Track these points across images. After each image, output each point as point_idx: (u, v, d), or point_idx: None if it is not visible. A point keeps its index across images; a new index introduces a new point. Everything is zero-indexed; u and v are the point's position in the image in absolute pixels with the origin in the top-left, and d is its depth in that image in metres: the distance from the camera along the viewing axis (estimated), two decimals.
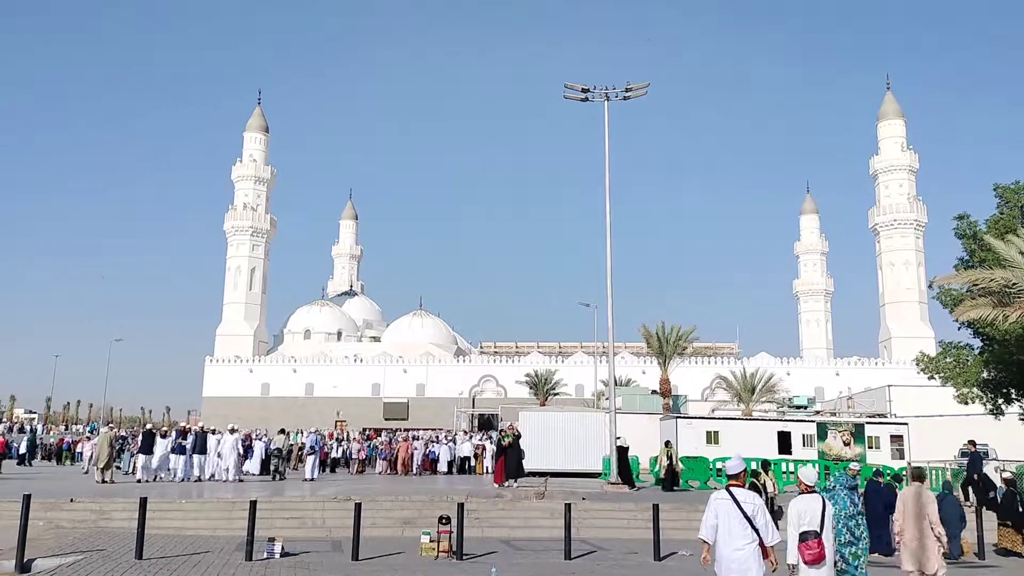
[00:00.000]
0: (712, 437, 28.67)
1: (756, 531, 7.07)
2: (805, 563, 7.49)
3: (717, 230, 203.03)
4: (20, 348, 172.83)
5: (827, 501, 7.91)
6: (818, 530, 7.55)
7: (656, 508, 14.55)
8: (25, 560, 11.98)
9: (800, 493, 8.00)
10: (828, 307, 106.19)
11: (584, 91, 24.63)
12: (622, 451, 23.95)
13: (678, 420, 30.74)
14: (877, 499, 15.88)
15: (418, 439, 36.21)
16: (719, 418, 34.26)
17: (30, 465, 35.17)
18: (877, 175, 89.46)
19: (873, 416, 35.90)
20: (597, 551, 14.60)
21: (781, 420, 32.10)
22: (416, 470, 31.18)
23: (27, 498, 12.84)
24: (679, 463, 24.55)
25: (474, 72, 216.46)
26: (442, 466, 33.38)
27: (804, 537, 7.55)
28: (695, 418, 32.54)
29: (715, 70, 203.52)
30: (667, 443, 24.57)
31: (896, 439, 29.43)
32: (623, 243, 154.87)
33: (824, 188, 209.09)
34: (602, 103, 24.84)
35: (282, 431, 28.98)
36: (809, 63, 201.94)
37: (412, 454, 31.50)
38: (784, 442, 28.58)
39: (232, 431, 25.26)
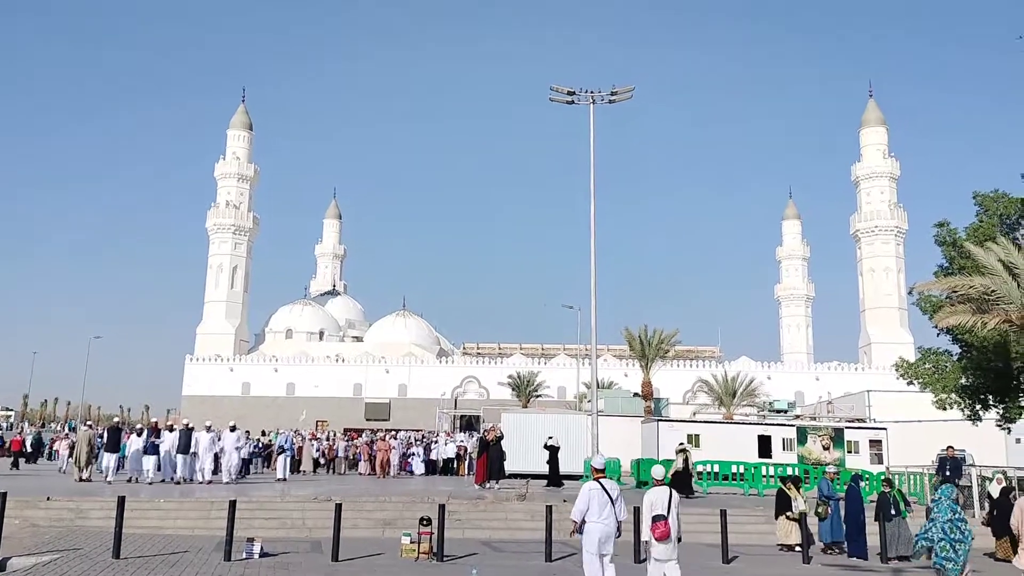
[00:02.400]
0: (694, 440, 28.77)
1: (616, 511, 9.49)
2: (656, 539, 9.56)
3: (700, 234, 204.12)
4: None
5: (672, 491, 9.90)
6: (665, 514, 9.53)
7: (636, 511, 14.55)
8: (0, 559, 11.83)
9: (654, 485, 10.10)
10: (809, 312, 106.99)
11: (570, 93, 24.68)
12: (553, 451, 23.99)
13: (660, 423, 30.84)
14: (856, 504, 16.00)
15: (396, 438, 35.64)
16: (700, 421, 34.42)
17: (35, 463, 35.13)
18: (859, 182, 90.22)
19: (852, 421, 36.17)
20: (578, 553, 14.57)
21: (762, 424, 32.31)
22: (394, 472, 30.60)
23: (2, 496, 12.69)
24: (693, 468, 23.89)
25: (460, 72, 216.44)
26: (417, 468, 33.09)
27: (655, 519, 9.55)
28: (677, 421, 32.69)
29: (698, 74, 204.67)
30: (681, 445, 23.86)
31: (875, 444, 29.68)
32: (607, 246, 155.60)
33: (806, 194, 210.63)
34: (588, 106, 24.89)
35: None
36: (792, 68, 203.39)
37: (390, 456, 30.84)
38: (764, 446, 28.75)
39: (232, 429, 24.18)
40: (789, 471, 24.75)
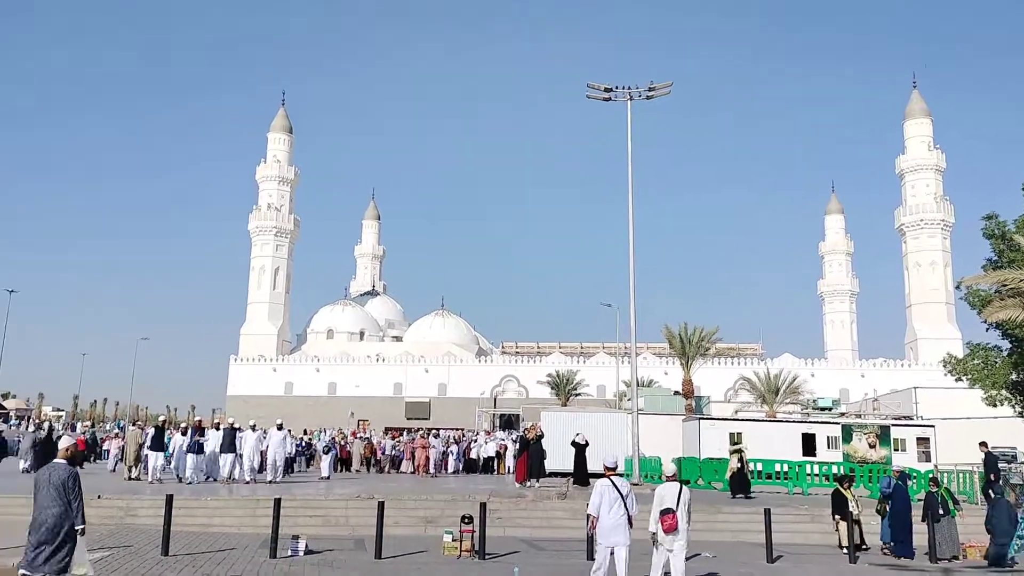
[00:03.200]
0: (736, 439, 28.47)
1: (627, 506, 10.11)
2: (664, 531, 10.38)
3: (741, 230, 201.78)
4: (48, 347, 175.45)
5: (683, 487, 10.65)
6: (673, 507, 10.35)
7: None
8: None
9: (666, 481, 10.99)
10: (853, 308, 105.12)
11: (607, 91, 24.58)
12: (579, 448, 23.80)
13: (701, 421, 30.57)
14: (903, 503, 15.70)
15: (437, 437, 35.50)
16: (743, 419, 34.03)
17: (92, 463, 35.77)
18: (903, 175, 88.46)
19: (899, 418, 35.50)
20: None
21: (806, 422, 31.82)
22: (434, 471, 30.31)
23: None
24: (748, 466, 23.32)
25: (498, 71, 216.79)
26: (451, 467, 33.10)
27: (664, 512, 10.37)
28: (718, 419, 32.35)
29: (738, 69, 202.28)
30: (736, 446, 23.38)
31: (922, 441, 29.07)
32: (646, 243, 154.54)
33: (849, 188, 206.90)
34: (625, 103, 24.76)
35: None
36: (835, 62, 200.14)
37: (429, 455, 30.50)
38: (808, 444, 28.34)
39: (279, 427, 23.80)
40: (835, 469, 24.43)
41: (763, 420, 35.77)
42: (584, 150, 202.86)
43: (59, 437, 40.63)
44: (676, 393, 47.56)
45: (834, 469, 24.53)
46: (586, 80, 24.83)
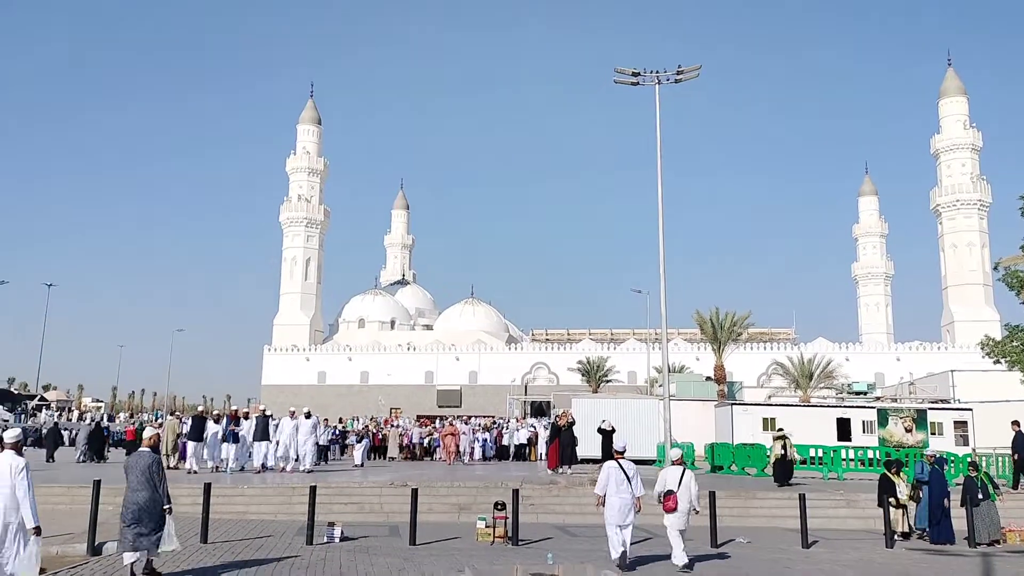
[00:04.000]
0: (769, 424, 28.28)
1: (631, 487, 10.93)
2: (665, 511, 11.27)
3: (773, 214, 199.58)
4: (87, 339, 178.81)
5: (686, 470, 11.54)
6: (674, 489, 11.27)
7: (712, 495, 14.43)
8: (96, 543, 12.40)
9: (671, 465, 11.83)
10: (888, 291, 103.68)
11: (635, 74, 24.35)
12: (606, 434, 23.61)
13: (734, 407, 30.40)
14: (940, 488, 15.47)
15: (467, 424, 35.46)
16: (776, 404, 33.79)
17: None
18: (939, 154, 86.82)
19: (936, 402, 35.04)
20: (652, 537, 14.53)
21: (840, 406, 31.53)
22: (466, 458, 30.22)
23: (97, 483, 13.31)
24: (794, 453, 22.22)
25: (525, 58, 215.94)
26: (477, 454, 33.14)
27: (666, 494, 11.27)
28: (751, 405, 32.15)
29: (769, 49, 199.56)
30: (780, 431, 22.31)
31: (960, 425, 28.68)
32: (676, 228, 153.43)
33: (883, 169, 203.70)
34: (653, 87, 24.54)
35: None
36: (868, 40, 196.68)
37: (458, 442, 30.31)
38: (843, 429, 28.09)
39: (307, 415, 23.25)
40: (870, 454, 24.17)
41: (797, 405, 35.47)
42: (613, 135, 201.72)
43: (140, 428, 41.06)
44: (708, 379, 47.37)
45: (869, 454, 24.29)
46: (613, 65, 24.58)
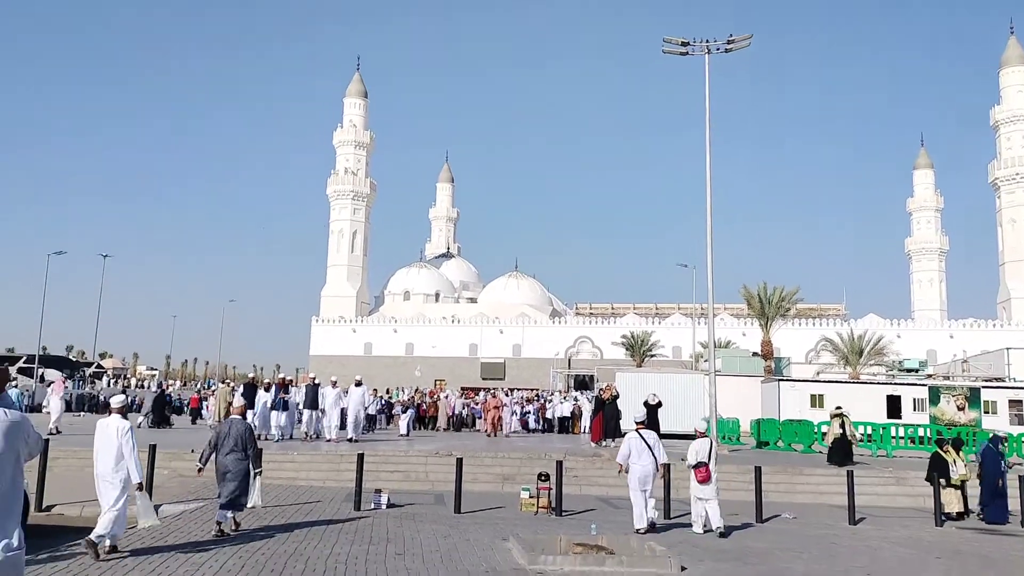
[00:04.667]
0: (817, 400, 27.95)
1: (654, 455, 11.75)
2: (698, 482, 11.69)
3: (824, 187, 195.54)
4: (142, 309, 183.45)
5: (713, 442, 12.10)
6: (706, 460, 11.70)
7: (758, 471, 14.35)
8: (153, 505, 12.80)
9: (697, 437, 12.20)
10: (942, 266, 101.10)
11: (684, 44, 23.94)
12: (651, 409, 23.40)
13: (781, 383, 30.08)
14: (994, 467, 15.16)
15: (509, 396, 35.16)
16: (824, 381, 33.33)
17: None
18: (998, 126, 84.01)
19: (990, 380, 34.19)
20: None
21: (891, 384, 30.98)
22: (507, 430, 29.82)
23: (153, 448, 13.72)
24: (853, 432, 21.22)
25: (569, 28, 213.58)
26: (513, 427, 33.12)
27: (697, 465, 11.71)
28: (799, 381, 31.76)
29: (821, 19, 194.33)
30: (838, 409, 21.24)
31: (1015, 404, 28.01)
32: (724, 201, 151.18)
33: (940, 141, 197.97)
34: (703, 56, 24.11)
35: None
36: (925, 8, 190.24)
37: (501, 414, 29.69)
38: (893, 406, 27.63)
39: (357, 384, 23.33)
40: (920, 432, 23.75)
41: (846, 382, 34.96)
42: (659, 107, 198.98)
43: (202, 396, 40.99)
44: (755, 355, 46.82)
45: (920, 432, 23.87)
46: (661, 35, 24.17)
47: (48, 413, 24.90)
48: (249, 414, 22.83)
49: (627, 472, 11.91)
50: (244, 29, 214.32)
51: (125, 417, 9.44)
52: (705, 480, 11.62)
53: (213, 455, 10.65)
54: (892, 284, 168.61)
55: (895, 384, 30.50)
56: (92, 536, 8.65)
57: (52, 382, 31.14)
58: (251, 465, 10.61)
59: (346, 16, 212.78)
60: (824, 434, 23.70)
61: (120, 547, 9.13)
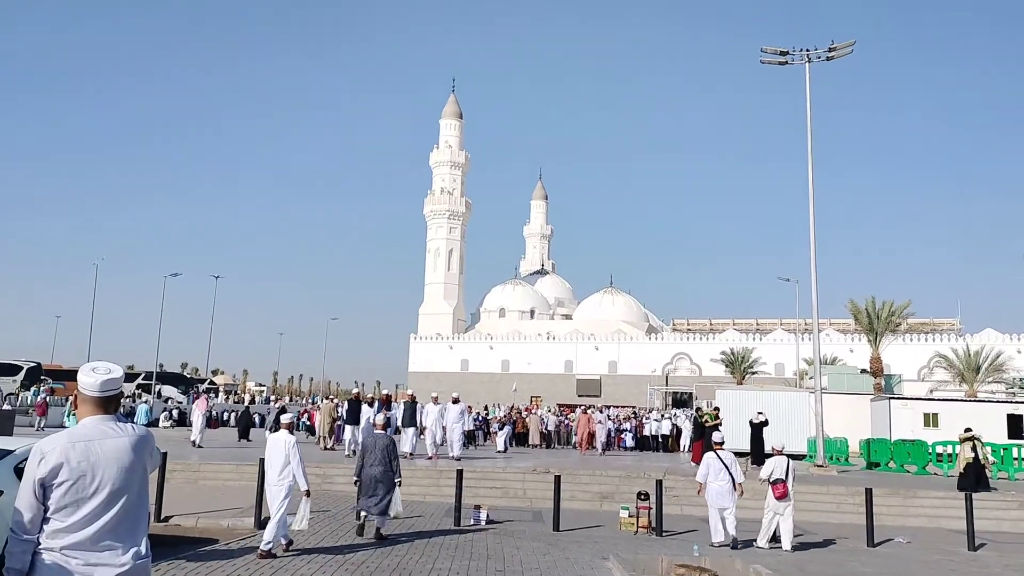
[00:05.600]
0: (931, 420, 26.62)
1: (731, 475, 12.14)
2: (776, 499, 12.11)
3: (934, 197, 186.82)
4: (251, 327, 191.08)
5: (789, 460, 12.40)
6: (783, 477, 12.09)
7: (869, 492, 13.77)
8: (263, 517, 13.27)
9: (775, 455, 12.62)
10: None
11: (782, 54, 23.45)
12: (756, 427, 22.66)
13: (892, 401, 28.78)
14: None
15: (602, 413, 34.79)
16: (939, 399, 31.72)
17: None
18: None
19: None
20: (804, 534, 14.05)
21: (1012, 402, 29.23)
22: (600, 449, 29.20)
23: (262, 461, 14.20)
24: (988, 456, 19.69)
25: (663, 39, 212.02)
26: (629, 443, 32.97)
27: (775, 482, 12.11)
28: (911, 399, 30.32)
29: (926, 24, 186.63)
30: (969, 431, 19.47)
31: None
32: (826, 212, 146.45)
33: None
34: (803, 66, 23.54)
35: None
36: None
37: (595, 429, 29.32)
38: (1015, 426, 26.03)
39: (455, 401, 22.93)
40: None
41: (962, 400, 33.21)
42: (759, 118, 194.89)
43: (380, 412, 42.62)
44: (863, 371, 45.04)
45: None
46: (760, 43, 23.73)
47: (191, 427, 26.40)
48: (352, 429, 23.63)
49: (705, 491, 12.44)
50: (341, 54, 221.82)
51: (292, 432, 10.56)
52: (783, 496, 12.06)
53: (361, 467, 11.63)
54: (1011, 297, 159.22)
55: (1016, 402, 28.75)
56: (262, 547, 9.74)
57: (196, 398, 33.17)
58: (395, 475, 11.46)
59: (440, 35, 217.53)
60: (940, 456, 22.58)
61: (245, 546, 9.95)
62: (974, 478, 18.05)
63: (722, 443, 12.95)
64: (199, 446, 24.74)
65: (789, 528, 12.17)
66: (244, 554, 9.96)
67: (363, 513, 11.49)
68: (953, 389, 46.07)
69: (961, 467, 18.87)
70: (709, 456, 12.58)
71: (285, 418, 11.14)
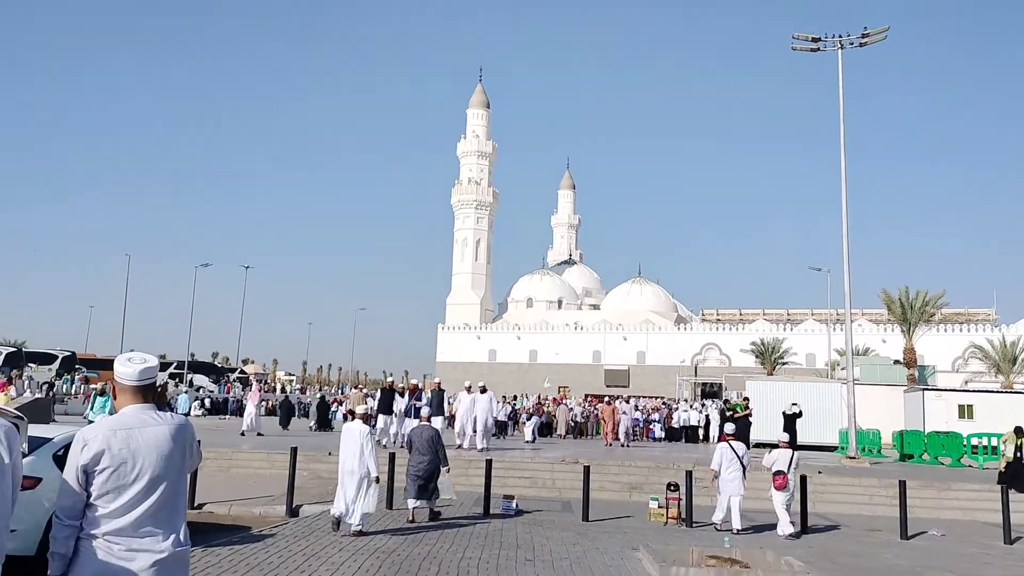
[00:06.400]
0: (965, 411, 26.27)
1: (742, 464, 12.79)
2: (775, 488, 12.68)
3: (968, 183, 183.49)
4: (280, 317, 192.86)
5: (794, 453, 13.05)
6: (784, 470, 12.66)
7: (903, 484, 13.61)
8: (294, 506, 13.44)
9: (780, 447, 13.18)
10: None
11: (814, 40, 23.13)
12: (789, 419, 22.34)
13: (925, 392, 28.42)
14: None
15: (628, 403, 34.24)
16: (974, 391, 31.25)
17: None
18: None
19: None
20: (836, 527, 13.95)
21: None
22: (624, 440, 28.12)
23: (294, 450, 14.37)
24: None
25: (691, 27, 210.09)
26: (658, 433, 32.89)
27: (777, 473, 12.70)
28: (946, 390, 29.90)
29: (965, 12, 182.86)
30: (1018, 429, 18.05)
31: None
32: (858, 199, 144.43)
33: None
34: (835, 52, 23.19)
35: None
36: None
37: (620, 420, 28.35)
38: None
39: (483, 390, 22.11)
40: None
41: (999, 391, 32.68)
42: (789, 105, 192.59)
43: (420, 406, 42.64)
44: (896, 362, 44.53)
45: None
46: (791, 31, 23.43)
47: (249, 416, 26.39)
48: (385, 419, 23.67)
49: (718, 479, 13.01)
50: (371, 43, 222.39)
51: (366, 423, 11.29)
52: (782, 487, 12.63)
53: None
54: None
55: None
56: (353, 529, 10.75)
57: (249, 387, 34.09)
58: (442, 463, 12.19)
59: (468, 25, 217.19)
60: (975, 448, 22.27)
61: (277, 533, 10.29)
62: (1013, 473, 17.32)
63: (734, 434, 13.62)
64: (260, 434, 24.81)
65: (785, 519, 12.65)
66: (276, 542, 10.08)
67: (411, 500, 12.23)
68: (989, 380, 45.32)
69: (1003, 464, 18.05)
70: (722, 446, 13.22)
71: (360, 409, 11.85)
